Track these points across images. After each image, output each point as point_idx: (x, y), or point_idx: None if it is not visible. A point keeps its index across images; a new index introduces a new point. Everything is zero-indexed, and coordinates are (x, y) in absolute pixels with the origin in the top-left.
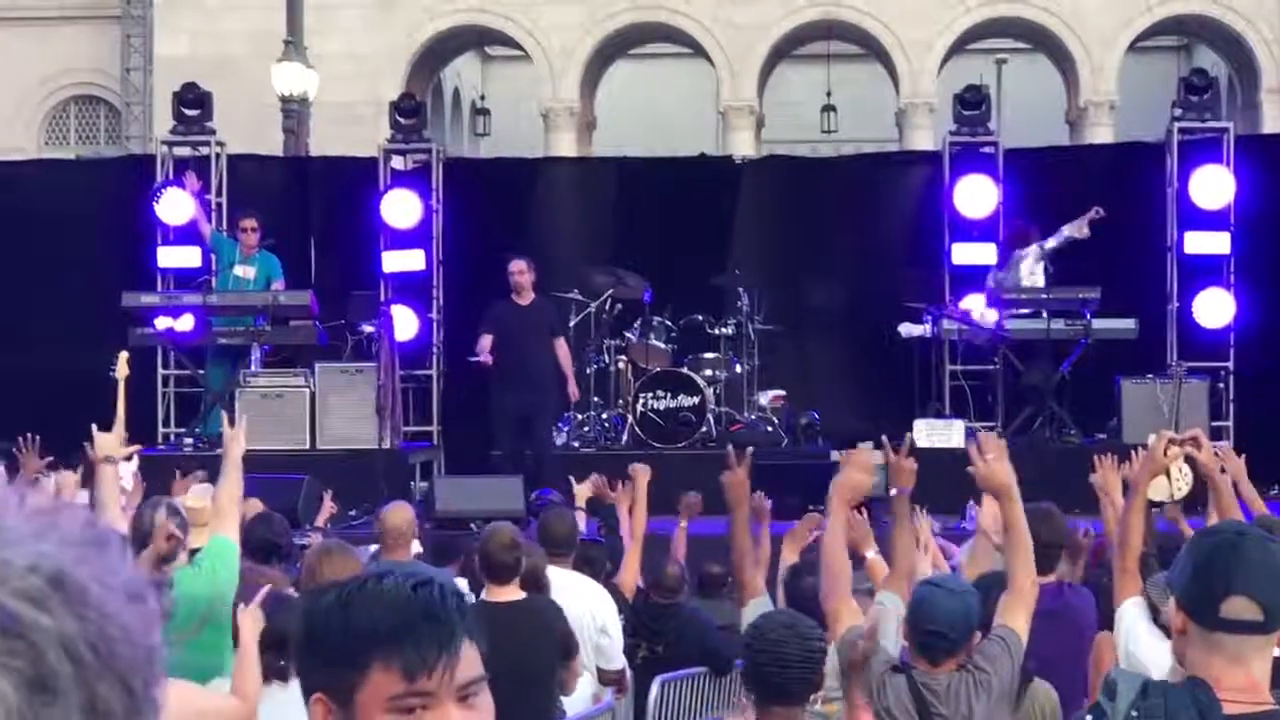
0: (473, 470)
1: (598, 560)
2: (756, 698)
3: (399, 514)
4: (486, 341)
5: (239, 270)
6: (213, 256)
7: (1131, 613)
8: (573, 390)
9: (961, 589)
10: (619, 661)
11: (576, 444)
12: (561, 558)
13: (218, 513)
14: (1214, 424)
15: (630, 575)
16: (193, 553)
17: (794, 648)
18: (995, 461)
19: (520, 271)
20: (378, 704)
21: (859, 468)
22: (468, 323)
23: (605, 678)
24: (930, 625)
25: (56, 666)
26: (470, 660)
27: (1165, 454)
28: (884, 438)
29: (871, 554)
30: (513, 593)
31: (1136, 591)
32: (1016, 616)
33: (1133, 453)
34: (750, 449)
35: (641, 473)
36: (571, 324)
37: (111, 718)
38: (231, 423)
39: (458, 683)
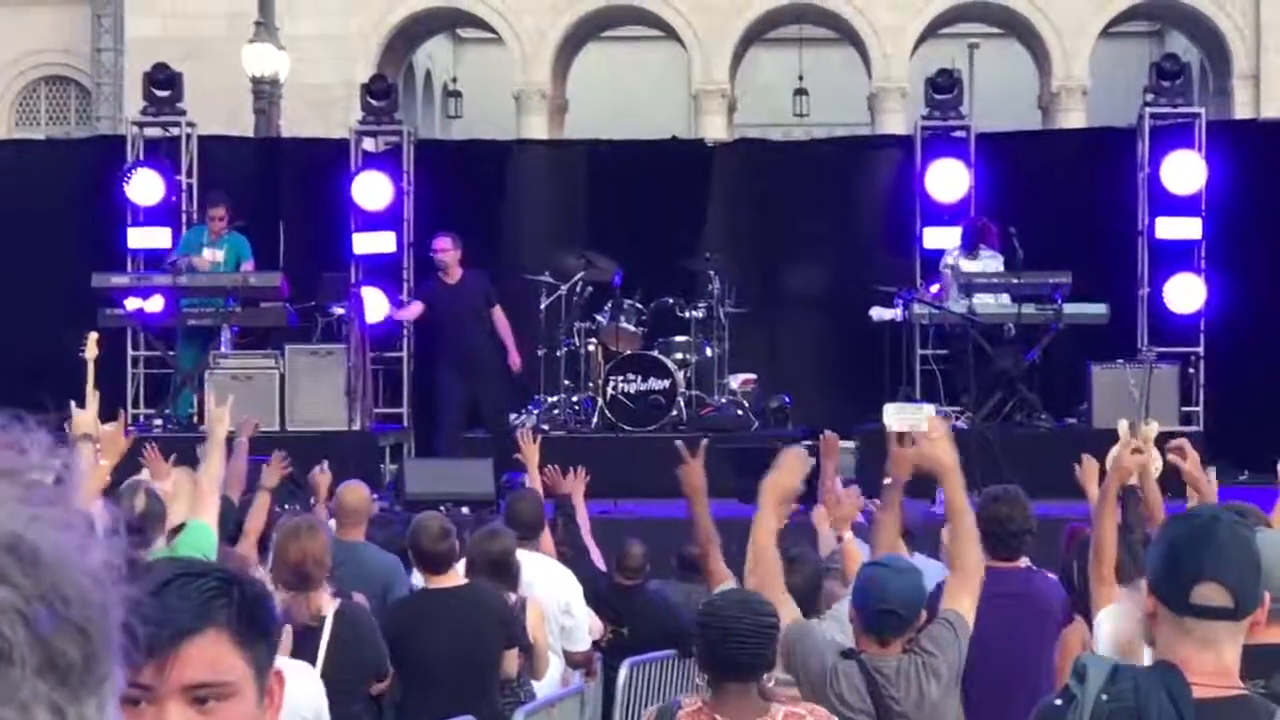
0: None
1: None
2: (710, 676)
3: (354, 493)
4: (416, 306)
5: (208, 254)
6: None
7: (1110, 621)
8: (514, 359)
9: (909, 568)
10: (584, 643)
11: (546, 427)
12: (529, 540)
13: (198, 496)
14: (1184, 409)
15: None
16: (171, 532)
17: (747, 623)
18: (938, 441)
19: (444, 250)
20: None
21: (789, 470)
22: None
23: (571, 659)
24: (881, 605)
25: (10, 634)
26: (207, 663)
27: (1129, 459)
28: (956, 424)
29: (848, 536)
30: (451, 579)
31: (1115, 598)
32: (962, 599)
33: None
34: (704, 441)
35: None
36: (542, 307)
37: (72, 669)
38: (202, 405)
39: (180, 681)
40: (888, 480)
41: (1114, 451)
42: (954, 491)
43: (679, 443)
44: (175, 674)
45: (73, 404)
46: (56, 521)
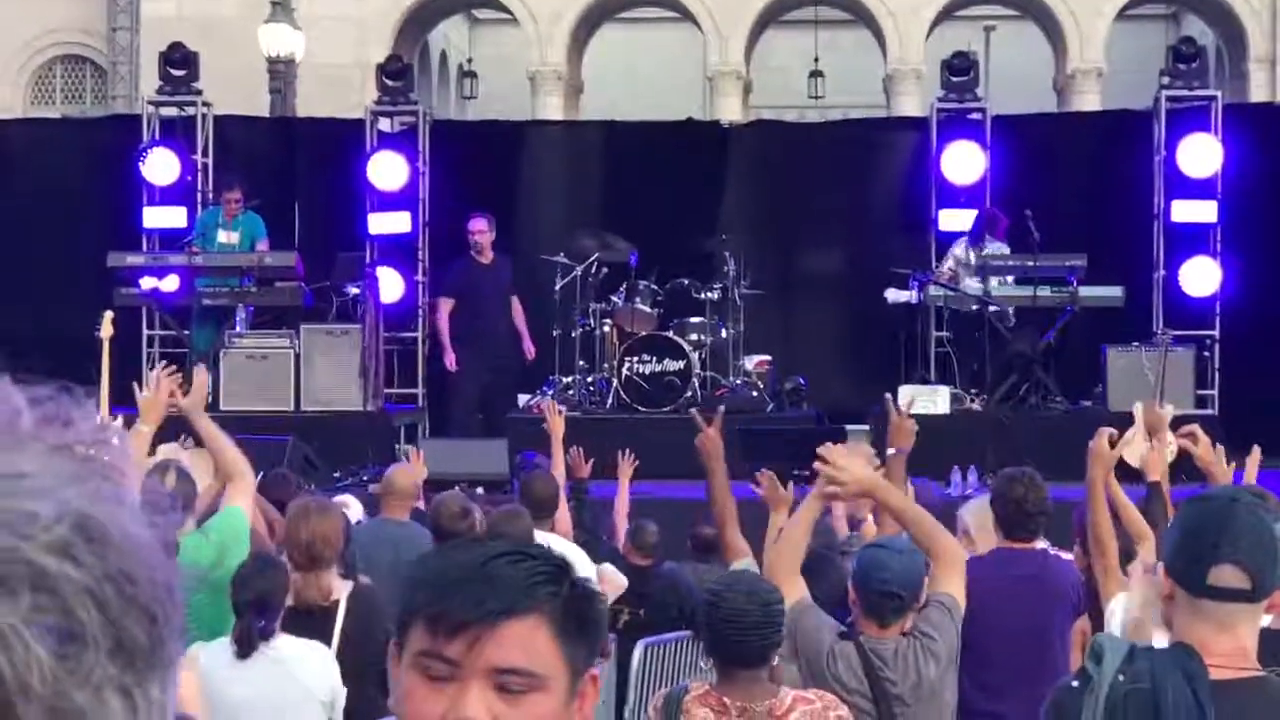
0: (457, 434)
1: (581, 524)
2: (717, 662)
3: (403, 475)
4: (445, 313)
5: (222, 236)
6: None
7: (1121, 609)
8: (529, 348)
9: (909, 549)
10: None
11: (561, 408)
12: (543, 520)
13: (231, 477)
14: (1199, 392)
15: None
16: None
17: (754, 614)
18: (848, 468)
19: (481, 231)
20: (411, 657)
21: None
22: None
23: None
24: (882, 585)
25: (84, 616)
26: (523, 648)
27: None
28: (887, 396)
29: (869, 520)
30: None
31: (1121, 586)
32: (950, 582)
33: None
34: (721, 408)
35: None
36: (557, 287)
37: (138, 651)
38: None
39: (490, 662)
40: (891, 450)
41: (1127, 435)
42: (889, 498)
43: (694, 410)
44: (488, 653)
45: (136, 386)
46: (118, 499)
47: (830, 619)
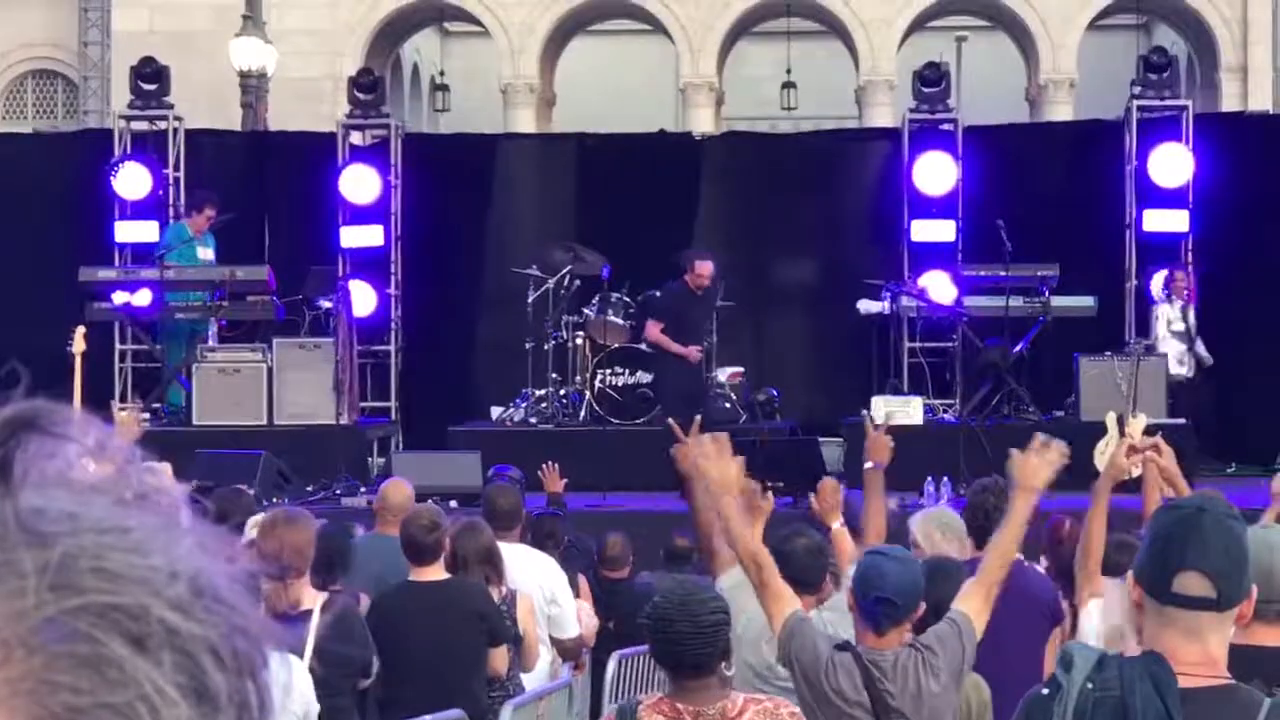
0: (430, 446)
1: (557, 533)
2: (665, 670)
3: (397, 490)
4: (657, 331)
5: (201, 252)
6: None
7: (1096, 614)
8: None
9: (908, 558)
10: (573, 629)
11: (534, 420)
12: (507, 532)
13: None
14: (1171, 402)
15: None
16: None
17: (685, 627)
18: (714, 466)
19: (708, 274)
20: None
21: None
22: (426, 298)
23: (561, 647)
24: (879, 593)
25: (213, 674)
26: None
27: (1127, 458)
28: (865, 412)
29: (837, 525)
30: (435, 573)
31: (1098, 592)
32: (973, 601)
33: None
34: (698, 417)
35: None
36: (529, 300)
37: (246, 709)
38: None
39: None
40: (869, 464)
41: (1099, 445)
42: (729, 518)
43: (671, 420)
44: None
45: (114, 404)
46: (207, 549)
47: (825, 631)
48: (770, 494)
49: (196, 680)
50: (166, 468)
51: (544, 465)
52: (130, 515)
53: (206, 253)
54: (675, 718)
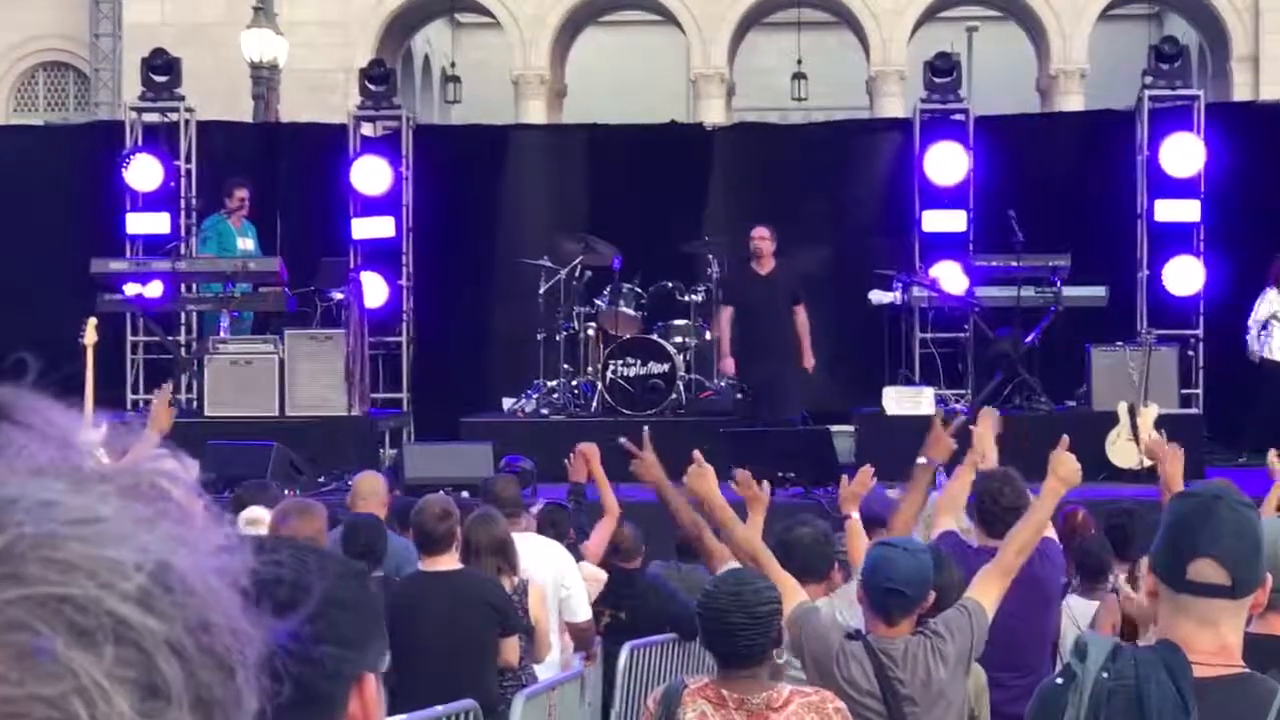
0: (442, 437)
1: (561, 524)
2: (718, 661)
3: (369, 480)
4: (725, 321)
5: (241, 243)
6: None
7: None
8: (808, 360)
9: (918, 548)
10: (584, 613)
11: (546, 411)
12: (510, 520)
13: None
14: (1183, 391)
15: (595, 546)
16: None
17: (738, 618)
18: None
19: (762, 238)
20: None
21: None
22: (437, 290)
23: (573, 631)
24: (888, 583)
25: (166, 669)
26: None
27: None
28: (955, 406)
29: (855, 515)
30: (448, 562)
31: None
32: (988, 589)
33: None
34: (647, 430)
35: (590, 454)
36: (541, 291)
37: (216, 705)
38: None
39: None
40: (922, 460)
41: (1111, 435)
42: (712, 516)
43: (623, 439)
44: None
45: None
46: (192, 544)
47: (836, 620)
48: (767, 483)
49: (145, 675)
50: (194, 465)
51: (577, 450)
52: (110, 507)
53: (247, 243)
54: (720, 704)
